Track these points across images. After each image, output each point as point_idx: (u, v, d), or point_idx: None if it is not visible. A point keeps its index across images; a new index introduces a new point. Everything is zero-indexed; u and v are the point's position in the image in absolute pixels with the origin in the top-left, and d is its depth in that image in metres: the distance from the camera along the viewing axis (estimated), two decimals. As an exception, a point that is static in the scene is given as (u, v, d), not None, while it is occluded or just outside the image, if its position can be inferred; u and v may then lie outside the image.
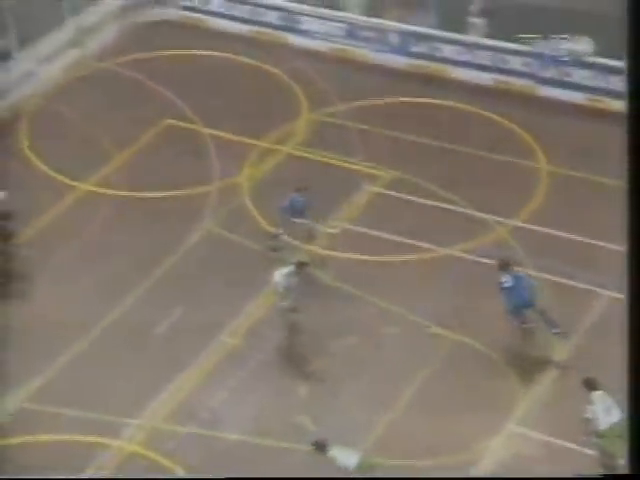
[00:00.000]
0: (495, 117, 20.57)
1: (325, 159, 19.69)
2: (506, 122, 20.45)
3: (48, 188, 18.99)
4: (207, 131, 20.31)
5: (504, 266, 15.77)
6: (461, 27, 21.90)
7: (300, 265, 16.09)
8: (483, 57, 21.68)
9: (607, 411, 13.65)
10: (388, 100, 21.21)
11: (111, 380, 15.50)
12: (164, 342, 16.20)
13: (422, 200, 18.60)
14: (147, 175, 19.35)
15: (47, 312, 16.69)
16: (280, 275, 16.00)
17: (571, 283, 16.76)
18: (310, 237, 17.78)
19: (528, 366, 15.65)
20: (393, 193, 18.87)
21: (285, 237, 17.51)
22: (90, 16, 22.64)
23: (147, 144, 20.14)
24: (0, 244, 17.16)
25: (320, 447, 13.55)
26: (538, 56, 21.13)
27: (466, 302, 16.48)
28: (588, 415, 13.74)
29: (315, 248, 17.82)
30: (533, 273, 16.58)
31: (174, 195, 18.87)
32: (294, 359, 16.04)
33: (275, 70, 21.97)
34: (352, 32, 22.59)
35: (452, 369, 15.50)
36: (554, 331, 15.74)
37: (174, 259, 17.70)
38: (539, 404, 15.16)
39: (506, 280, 15.59)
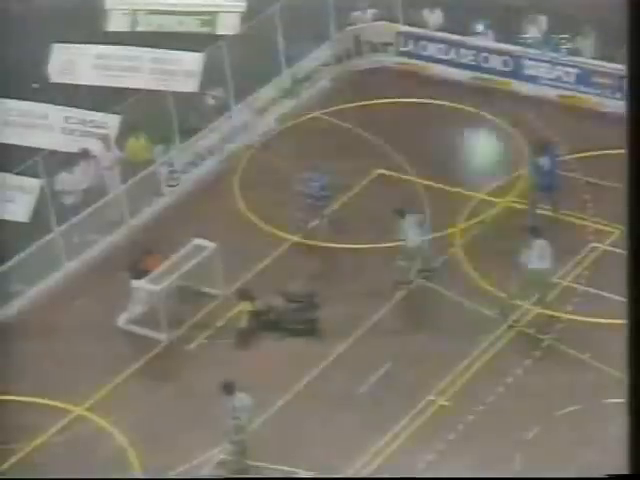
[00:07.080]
0: None
1: (549, 213, 20.17)
2: None
3: (258, 239, 20.42)
4: (421, 181, 21.34)
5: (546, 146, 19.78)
6: None
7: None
8: None
9: (540, 258, 17.33)
10: (623, 151, 21.35)
11: (315, 437, 16.55)
12: (370, 400, 17.13)
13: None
14: (357, 226, 20.54)
15: (253, 364, 18.05)
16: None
17: None
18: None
19: None
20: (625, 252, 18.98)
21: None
22: (305, 66, 24.32)
23: (358, 194, 21.31)
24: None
25: (228, 388, 15.63)
26: None
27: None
28: (522, 259, 17.44)
29: (536, 308, 18.36)
30: None
31: (383, 247, 19.88)
32: (510, 423, 16.48)
33: (497, 118, 22.73)
34: (584, 78, 23.08)
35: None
36: None
37: (382, 313, 18.71)
38: None
39: (544, 164, 19.50)
